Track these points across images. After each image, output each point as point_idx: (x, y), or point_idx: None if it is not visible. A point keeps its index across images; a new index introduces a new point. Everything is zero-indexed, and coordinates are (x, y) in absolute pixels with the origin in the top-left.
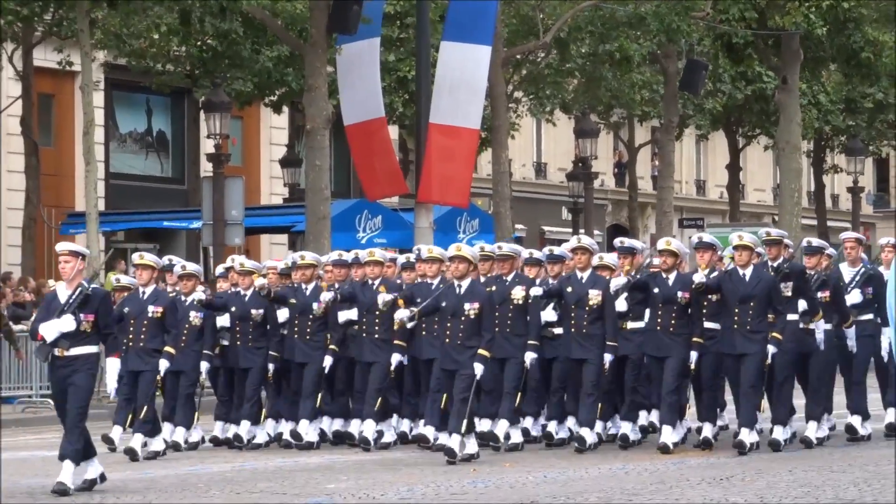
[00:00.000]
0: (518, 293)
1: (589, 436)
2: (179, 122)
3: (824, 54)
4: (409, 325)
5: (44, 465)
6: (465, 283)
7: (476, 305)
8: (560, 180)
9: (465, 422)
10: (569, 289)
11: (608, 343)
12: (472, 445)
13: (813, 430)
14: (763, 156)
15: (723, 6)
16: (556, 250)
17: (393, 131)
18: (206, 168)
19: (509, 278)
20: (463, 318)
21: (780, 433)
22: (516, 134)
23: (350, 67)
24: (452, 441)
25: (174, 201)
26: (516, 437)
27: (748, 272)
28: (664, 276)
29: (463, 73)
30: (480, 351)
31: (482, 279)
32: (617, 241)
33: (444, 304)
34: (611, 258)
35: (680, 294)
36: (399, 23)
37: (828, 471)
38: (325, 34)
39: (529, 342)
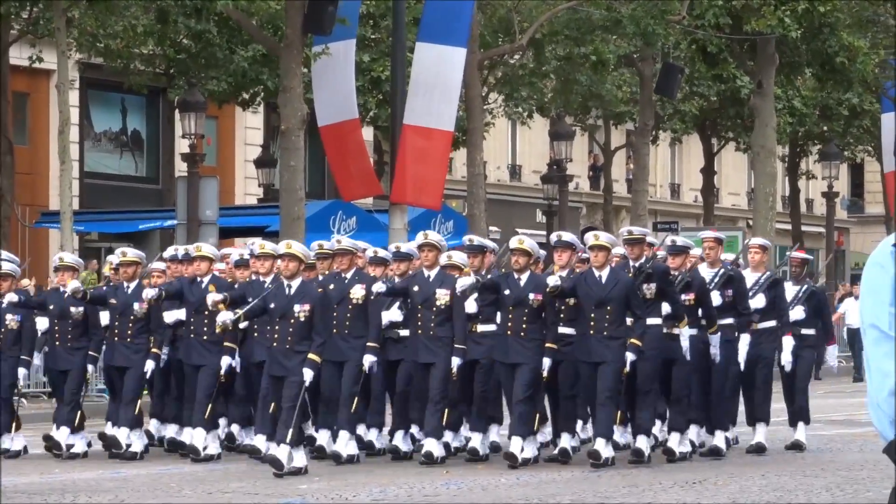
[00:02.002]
0: (357, 292)
1: (436, 448)
2: (154, 121)
3: (799, 59)
4: (242, 326)
5: (42, 462)
6: (296, 283)
7: (306, 307)
8: (535, 183)
9: (291, 431)
10: (415, 288)
11: (456, 346)
12: (300, 458)
13: (675, 442)
14: (738, 160)
15: (698, 11)
16: (403, 247)
17: (367, 132)
18: (181, 168)
19: (348, 276)
20: (292, 321)
21: (643, 443)
22: (491, 136)
23: (325, 68)
24: (280, 452)
25: (148, 201)
26: (351, 447)
27: (605, 274)
28: (516, 276)
29: (437, 74)
30: (311, 355)
31: (321, 277)
32: (554, 236)
33: (272, 306)
34: (460, 257)
35: (532, 296)
36: (372, 23)
37: (800, 475)
38: (300, 35)
39: (368, 344)
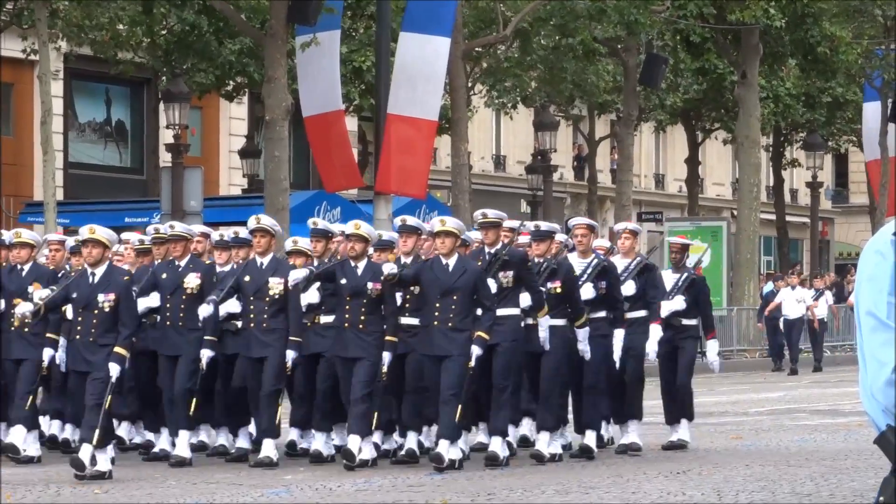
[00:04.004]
0: (192, 281)
1: (272, 451)
2: (139, 112)
3: (783, 49)
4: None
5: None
6: (100, 271)
7: (111, 296)
8: (519, 173)
9: (97, 432)
10: (246, 278)
11: (290, 339)
12: (104, 462)
13: (545, 443)
14: (722, 150)
15: (681, 1)
16: (242, 232)
17: (351, 122)
18: (165, 158)
19: (182, 263)
20: (96, 311)
21: (497, 445)
22: (476, 126)
23: (309, 59)
24: (83, 452)
25: (133, 191)
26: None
27: (452, 261)
28: (353, 264)
29: (422, 64)
30: (117, 349)
31: (157, 262)
32: (398, 220)
33: (74, 295)
34: (305, 242)
35: (370, 285)
36: (352, 14)
37: (784, 465)
38: (285, 25)
39: (206, 338)
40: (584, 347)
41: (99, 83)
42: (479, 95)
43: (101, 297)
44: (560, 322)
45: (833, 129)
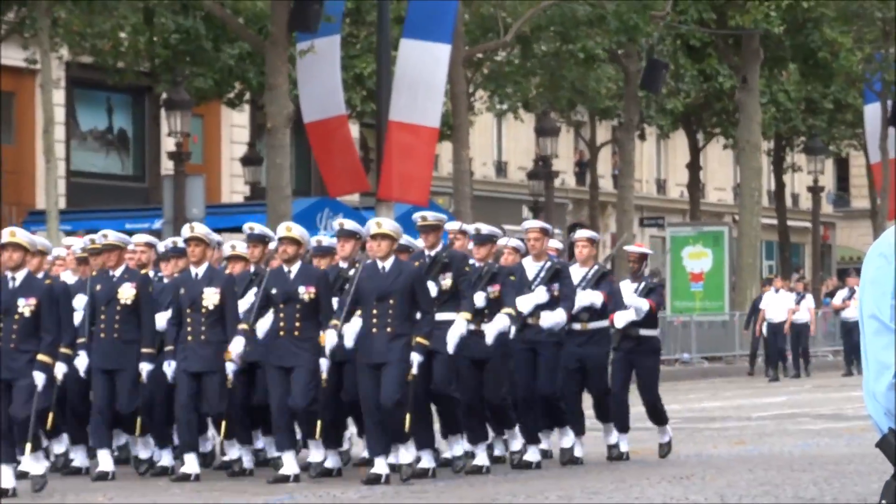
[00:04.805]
0: (127, 292)
1: (192, 466)
2: (140, 119)
3: (783, 54)
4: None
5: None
6: (20, 276)
7: (32, 301)
8: (521, 179)
9: (29, 444)
10: (181, 290)
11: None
12: (39, 467)
13: (484, 458)
14: (723, 155)
15: (682, 6)
16: (180, 241)
17: (353, 128)
18: (167, 166)
19: (117, 273)
20: (17, 317)
21: (427, 460)
22: (477, 133)
23: (310, 65)
24: (5, 473)
25: (135, 199)
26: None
27: (388, 264)
28: (285, 269)
29: (422, 71)
30: (40, 356)
31: (93, 273)
32: (336, 224)
33: None
34: (244, 247)
35: (303, 290)
36: (349, 20)
37: (788, 469)
38: (286, 32)
39: (143, 350)
40: (490, 341)
41: (100, 91)
42: (481, 101)
43: (21, 302)
44: (500, 327)
45: (834, 134)
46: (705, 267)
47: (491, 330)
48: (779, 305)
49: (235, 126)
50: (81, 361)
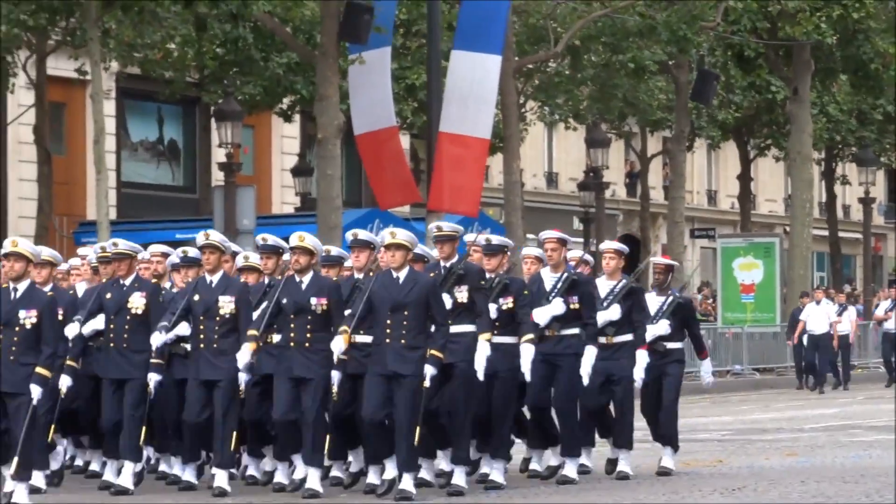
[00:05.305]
0: (137, 301)
1: (190, 476)
2: (191, 130)
3: (834, 65)
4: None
5: None
6: (22, 287)
7: (33, 313)
8: (571, 190)
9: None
10: (196, 297)
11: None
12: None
13: (500, 473)
14: (774, 166)
15: (734, 17)
16: (192, 252)
17: (403, 140)
18: (218, 177)
19: (127, 282)
20: (17, 329)
21: (460, 478)
22: (527, 144)
23: (361, 76)
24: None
25: (185, 210)
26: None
27: (402, 275)
28: (297, 279)
29: (473, 82)
30: (38, 369)
31: (103, 281)
32: (350, 235)
33: None
34: (257, 258)
35: (315, 301)
36: (403, 31)
37: (840, 481)
38: (336, 43)
39: (153, 361)
40: (525, 368)
41: (151, 102)
42: (531, 112)
43: (22, 314)
44: (510, 340)
45: (885, 145)
46: (756, 278)
47: (478, 361)
48: (820, 317)
49: (286, 137)
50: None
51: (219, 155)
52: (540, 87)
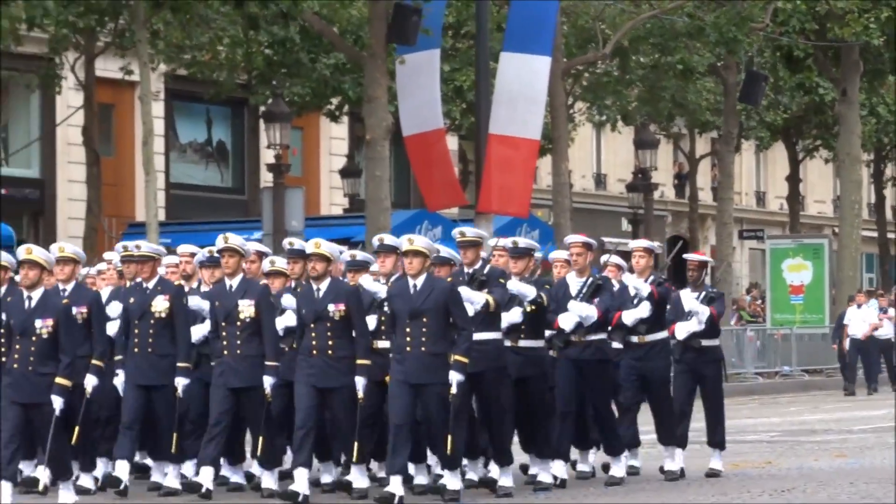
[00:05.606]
0: (160, 304)
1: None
2: (239, 131)
3: (883, 66)
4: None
5: None
6: (37, 294)
7: (49, 322)
8: (620, 191)
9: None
10: (216, 302)
11: (267, 364)
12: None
13: (509, 478)
14: (823, 167)
15: (782, 18)
16: (216, 251)
17: (452, 141)
18: (266, 178)
19: (150, 285)
20: (34, 338)
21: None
22: (576, 145)
23: (409, 78)
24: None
25: (234, 211)
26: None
27: (419, 281)
28: (314, 286)
29: (522, 83)
30: (58, 380)
31: (127, 285)
32: (376, 240)
33: (11, 321)
34: (283, 262)
35: (332, 307)
36: (452, 33)
37: (889, 483)
38: (384, 45)
39: (179, 364)
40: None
41: (199, 103)
42: (580, 113)
43: (38, 323)
44: (537, 344)
45: None
46: (805, 279)
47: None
48: (862, 321)
49: (335, 138)
50: (119, 379)
51: (267, 156)
52: (588, 89)
